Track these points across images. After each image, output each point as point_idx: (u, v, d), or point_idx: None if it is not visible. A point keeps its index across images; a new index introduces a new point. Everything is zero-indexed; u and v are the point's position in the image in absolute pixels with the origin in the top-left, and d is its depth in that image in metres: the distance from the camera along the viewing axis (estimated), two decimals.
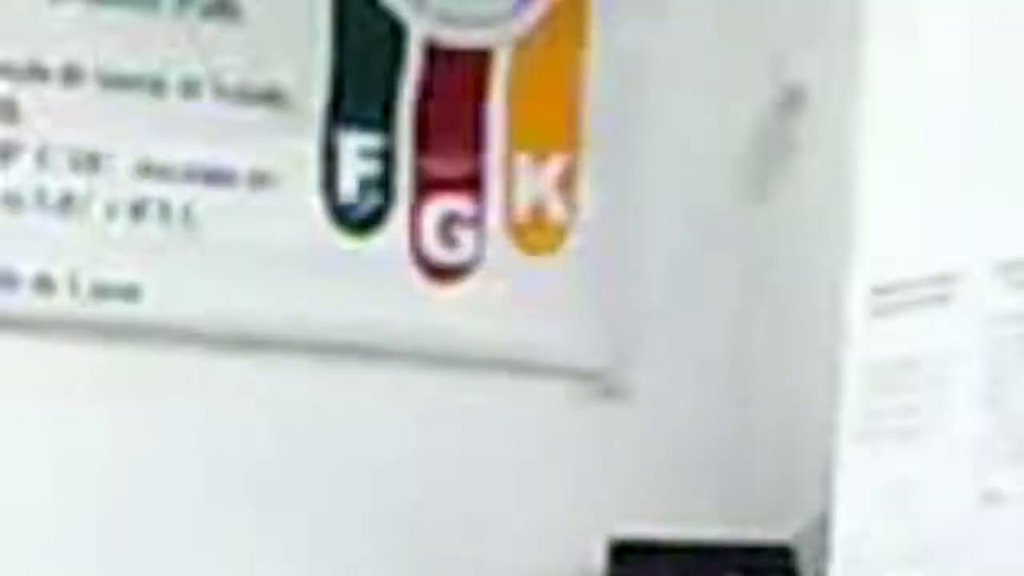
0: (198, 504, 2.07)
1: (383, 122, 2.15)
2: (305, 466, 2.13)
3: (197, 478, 2.08)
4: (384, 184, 2.12)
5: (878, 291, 1.76)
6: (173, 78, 2.04)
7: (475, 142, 2.19)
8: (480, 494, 2.25)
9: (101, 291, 1.98)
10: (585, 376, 2.24)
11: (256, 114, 2.07)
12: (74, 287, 1.96)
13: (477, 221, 2.18)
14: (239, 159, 2.04)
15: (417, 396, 2.20)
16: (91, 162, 2.00)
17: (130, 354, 2.03)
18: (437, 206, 2.15)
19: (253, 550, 2.08)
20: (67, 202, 1.99)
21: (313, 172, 2.08)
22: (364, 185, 2.10)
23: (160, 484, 2.07)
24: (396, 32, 2.19)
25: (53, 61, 2.00)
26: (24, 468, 2.05)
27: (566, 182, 2.21)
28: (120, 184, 2.02)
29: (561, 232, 2.21)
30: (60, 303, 1.96)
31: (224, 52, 2.10)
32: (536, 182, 2.20)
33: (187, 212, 2.02)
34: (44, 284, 1.96)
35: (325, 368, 2.11)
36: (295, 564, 2.09)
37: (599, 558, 2.18)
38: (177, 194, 2.03)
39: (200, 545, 2.08)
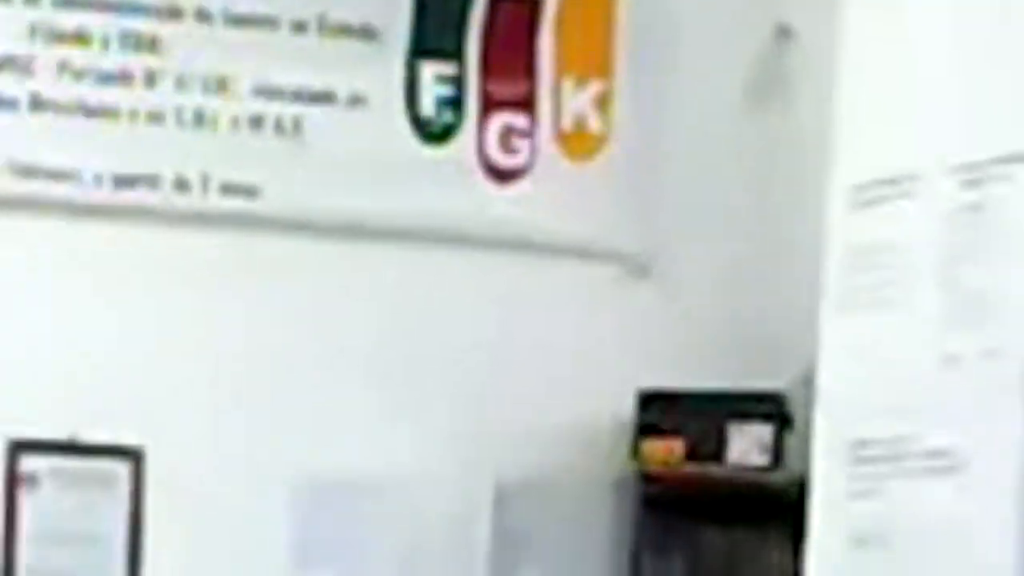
0: (312, 364, 2.60)
1: (456, 52, 2.64)
2: (398, 335, 2.67)
3: (308, 346, 2.62)
4: (456, 104, 2.62)
5: (855, 188, 2.14)
6: (286, 17, 2.54)
7: (529, 69, 2.68)
8: (536, 356, 2.80)
9: (227, 189, 2.50)
10: (620, 259, 2.72)
11: (353, 46, 2.58)
12: (205, 186, 2.48)
13: (530, 133, 2.67)
14: (339, 83, 2.55)
15: (478, 275, 2.70)
16: (219, 84, 2.51)
17: (250, 242, 2.55)
18: (498, 121, 2.65)
19: (359, 408, 2.62)
20: (199, 117, 2.50)
21: (399, 94, 2.58)
22: (440, 104, 2.60)
23: (276, 349, 2.60)
24: None
25: (188, 4, 2.50)
26: (168, 340, 2.58)
27: (603, 101, 2.70)
28: (242, 102, 2.53)
29: (599, 141, 2.70)
30: (194, 200, 2.48)
31: None
32: (578, 101, 2.69)
33: (297, 125, 2.52)
34: (181, 184, 2.48)
35: (407, 252, 2.65)
36: (393, 422, 2.63)
37: (631, 406, 2.76)
38: (289, 111, 2.54)
39: (317, 404, 2.62)
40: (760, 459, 2.85)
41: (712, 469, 2.88)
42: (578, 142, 2.71)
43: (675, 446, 2.83)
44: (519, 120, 2.67)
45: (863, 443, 2.34)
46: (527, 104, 2.68)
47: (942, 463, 2.19)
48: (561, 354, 2.91)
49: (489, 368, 2.89)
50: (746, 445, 2.85)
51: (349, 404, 2.79)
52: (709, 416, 2.85)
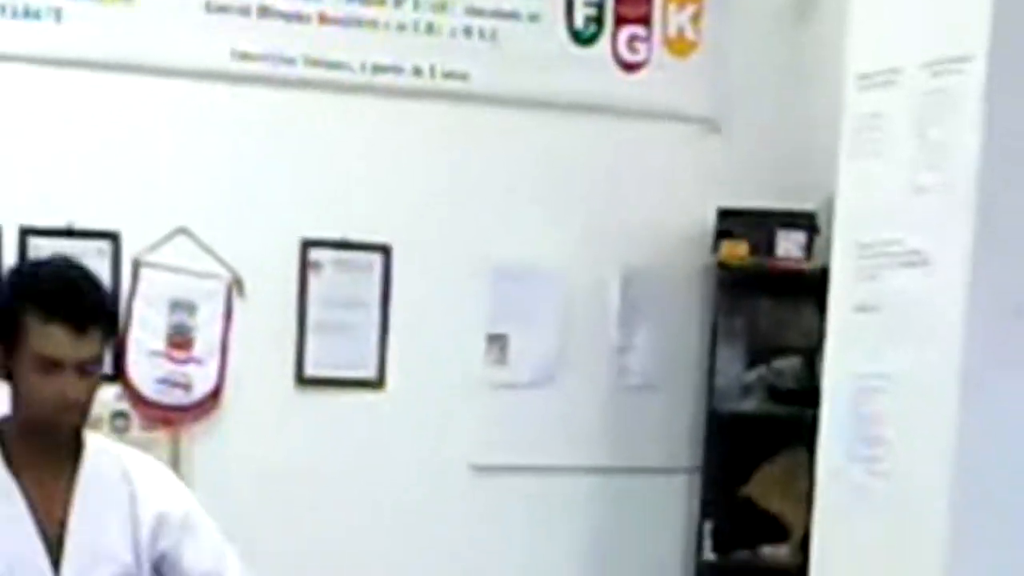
0: (501, 189, 3.93)
1: None
2: (554, 170, 3.95)
3: (499, 179, 3.91)
4: (598, 20, 3.89)
5: (861, 76, 3.21)
6: None
7: None
8: (648, 185, 4.13)
9: (448, 75, 3.75)
10: (702, 121, 4.07)
11: None
12: (433, 73, 3.74)
13: (648, 39, 3.99)
14: (521, 5, 3.77)
15: (611, 132, 4.01)
16: (442, 6, 3.71)
17: (462, 112, 3.80)
18: (626, 31, 3.96)
19: (531, 220, 3.96)
20: (429, 27, 3.71)
21: (561, 13, 3.83)
22: (587, 20, 3.87)
23: (480, 178, 3.92)
24: None
25: None
26: (412, 167, 3.83)
27: (695, 17, 4.00)
28: (458, 18, 3.74)
29: (692, 45, 4.05)
30: (426, 82, 3.72)
31: None
32: (679, 17, 3.99)
33: (494, 33, 3.80)
34: (417, 71, 3.72)
35: (564, 119, 3.91)
36: (552, 228, 4.01)
37: (712, 219, 4.09)
38: (489, 24, 3.80)
39: (502, 215, 3.94)
40: (798, 254, 4.04)
41: (766, 260, 4.09)
42: (678, 45, 4.09)
43: (741, 245, 4.03)
44: (640, 31, 4.00)
45: (865, 245, 3.30)
46: (646, 20, 4.02)
47: (916, 258, 3.14)
48: (665, 183, 4.20)
49: (616, 191, 4.16)
50: (789, 245, 4.03)
51: (523, 217, 4.05)
52: (764, 225, 4.04)
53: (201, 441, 3.84)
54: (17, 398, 2.43)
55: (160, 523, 2.53)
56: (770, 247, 4.08)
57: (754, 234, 4.09)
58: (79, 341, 2.33)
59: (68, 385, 2.33)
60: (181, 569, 2.61)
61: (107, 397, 3.56)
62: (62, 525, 2.48)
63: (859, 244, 3.35)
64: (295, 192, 3.91)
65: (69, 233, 3.68)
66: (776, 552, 4.14)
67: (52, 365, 2.32)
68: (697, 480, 4.28)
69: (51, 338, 2.32)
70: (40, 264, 2.68)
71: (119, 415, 3.72)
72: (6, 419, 2.50)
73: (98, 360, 2.41)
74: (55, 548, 2.52)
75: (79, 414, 2.41)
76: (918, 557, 3.20)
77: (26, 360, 2.34)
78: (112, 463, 2.54)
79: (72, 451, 2.49)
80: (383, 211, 3.98)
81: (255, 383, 3.89)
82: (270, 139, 3.89)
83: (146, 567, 2.55)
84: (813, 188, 3.89)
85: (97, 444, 2.58)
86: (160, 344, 3.79)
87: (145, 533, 2.53)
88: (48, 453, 2.48)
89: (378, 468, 4.03)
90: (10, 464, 2.49)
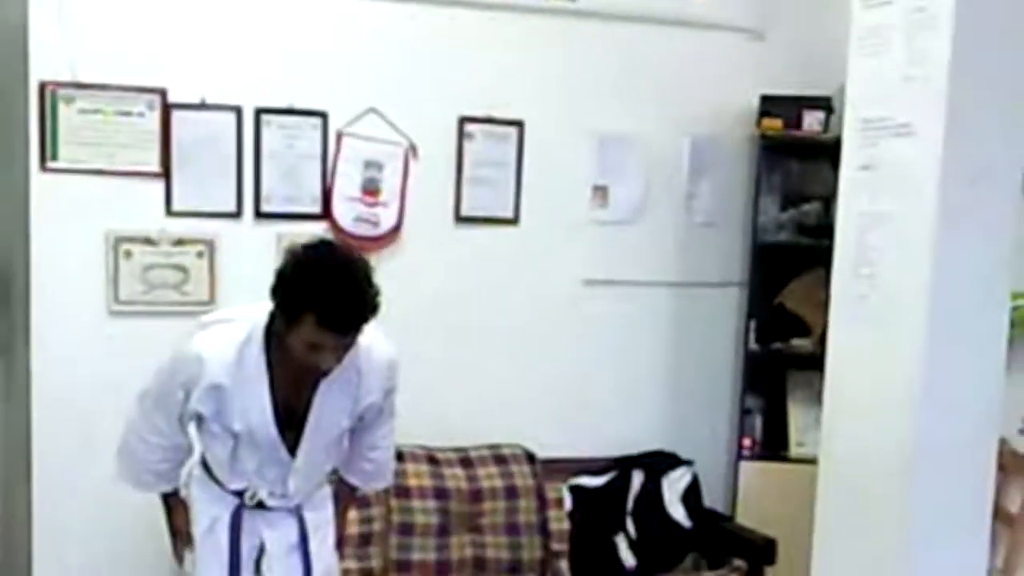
0: (591, 86, 4.84)
1: None
2: (633, 73, 4.89)
3: (594, 74, 4.84)
4: None
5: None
6: None
7: None
8: (708, 77, 5.02)
9: None
10: (748, 30, 5.00)
11: None
12: None
13: None
14: None
15: (673, 41, 4.93)
16: None
17: (574, 26, 4.77)
18: None
19: (617, 103, 4.88)
20: None
21: None
22: None
23: (580, 75, 4.83)
24: None
25: None
26: (528, 66, 4.74)
27: None
28: None
29: None
30: (549, 3, 4.67)
31: None
32: None
33: None
34: None
35: (649, 30, 4.87)
36: (634, 108, 4.90)
37: (756, 102, 4.94)
38: None
39: (603, 100, 4.84)
40: (818, 128, 4.88)
41: (794, 132, 4.92)
42: None
43: (776, 121, 4.91)
44: None
45: (867, 120, 3.97)
46: None
47: (904, 131, 3.80)
48: (723, 76, 5.05)
49: (687, 82, 5.02)
50: (811, 121, 4.87)
51: (619, 100, 4.90)
52: (793, 107, 4.90)
53: (385, 263, 4.51)
54: (284, 341, 2.99)
55: (373, 403, 3.28)
56: (798, 122, 4.94)
57: (786, 113, 4.95)
58: (340, 340, 2.94)
59: (325, 360, 2.97)
60: (375, 418, 3.38)
61: (318, 230, 4.38)
62: (304, 407, 3.15)
63: (863, 120, 4.02)
64: (455, 80, 4.72)
65: (291, 112, 4.48)
66: (802, 344, 4.97)
67: (316, 348, 2.92)
68: (744, 292, 5.14)
69: (319, 336, 2.89)
70: (326, 268, 2.92)
71: None
72: (276, 327, 3.05)
73: (352, 343, 2.98)
74: (294, 425, 3.16)
75: (330, 371, 3.05)
76: (901, 348, 3.85)
77: (298, 335, 2.91)
78: (350, 361, 3.09)
79: None
80: (518, 96, 4.82)
81: (424, 221, 4.73)
82: (437, 41, 4.66)
83: (356, 421, 3.32)
84: (830, 79, 4.70)
85: None
86: (356, 192, 4.61)
87: (362, 406, 3.26)
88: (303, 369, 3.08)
89: (514, 284, 4.89)
90: (268, 355, 3.09)
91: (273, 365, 3.09)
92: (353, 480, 3.59)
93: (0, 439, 4.96)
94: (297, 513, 3.37)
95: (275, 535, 3.35)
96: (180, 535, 3.50)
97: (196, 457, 3.41)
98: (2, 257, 4.80)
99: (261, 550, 3.35)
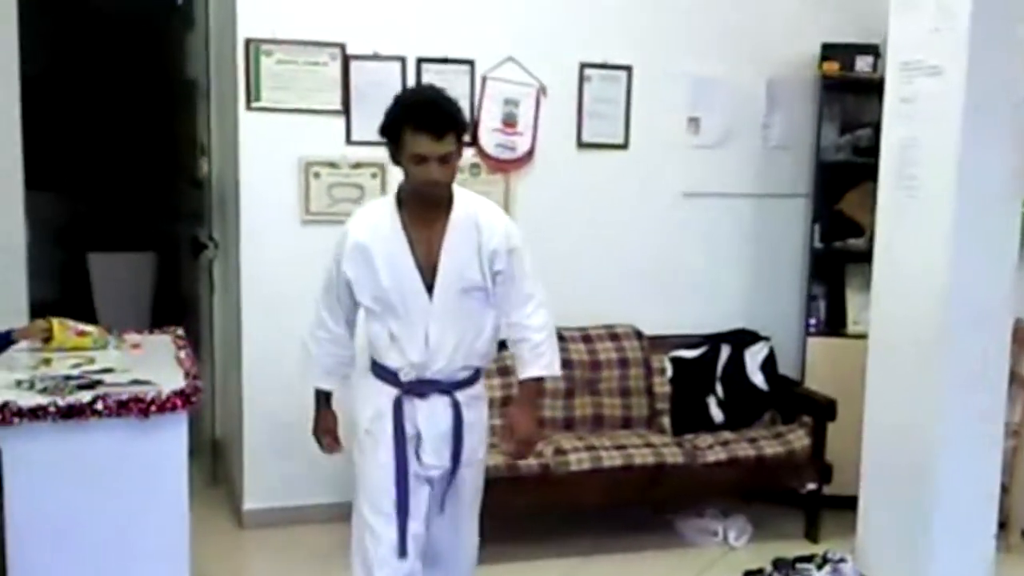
0: (690, 37, 5.52)
1: None
2: (722, 25, 5.58)
3: (693, 32, 5.52)
4: None
5: None
6: None
7: None
8: (779, 27, 5.67)
9: None
10: None
11: None
12: None
13: None
14: None
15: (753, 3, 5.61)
16: None
17: None
18: None
19: (708, 46, 5.58)
20: None
21: None
22: None
23: (679, 34, 5.54)
24: None
25: None
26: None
27: None
28: None
29: None
30: None
31: None
32: None
33: None
34: None
35: None
36: (727, 53, 5.60)
37: (818, 50, 5.57)
38: None
39: (698, 40, 5.57)
40: (868, 69, 5.37)
41: (849, 73, 5.44)
42: None
43: (835, 64, 5.45)
44: None
45: (905, 63, 4.41)
46: None
47: (934, 71, 4.22)
48: (792, 27, 5.64)
49: (762, 31, 5.62)
50: (863, 63, 5.39)
51: (710, 47, 5.53)
52: (848, 52, 5.43)
53: (521, 181, 5.38)
54: (406, 177, 3.34)
55: (496, 252, 3.42)
56: (852, 65, 5.46)
57: (842, 57, 5.48)
58: (439, 143, 3.20)
59: (432, 171, 3.24)
60: (509, 284, 3.48)
61: (468, 155, 5.04)
62: (436, 255, 3.36)
63: (901, 63, 4.44)
64: (576, 33, 5.39)
65: (444, 61, 5.13)
66: (856, 242, 5.50)
67: (422, 159, 3.22)
68: (809, 201, 5.76)
69: (419, 142, 3.20)
70: (415, 91, 3.65)
71: (475, 166, 5.28)
72: (402, 187, 3.42)
73: (452, 153, 3.26)
74: (429, 272, 3.36)
75: (442, 188, 3.32)
76: (934, 244, 4.26)
77: (406, 156, 3.25)
78: (469, 213, 3.40)
79: (446, 206, 3.38)
80: (627, 44, 5.47)
81: (553, 147, 5.40)
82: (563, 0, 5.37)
83: (490, 283, 3.44)
84: (877, 30, 5.12)
85: (461, 199, 3.43)
86: (498, 124, 5.31)
87: (486, 258, 3.41)
88: (428, 209, 3.36)
89: (624, 196, 5.57)
90: (401, 215, 3.38)
91: (406, 226, 3.37)
92: (518, 365, 3.64)
93: (220, 327, 5.79)
94: (453, 404, 3.50)
95: (430, 422, 3.50)
96: (326, 436, 3.72)
97: (360, 361, 3.65)
98: (219, 179, 5.73)
99: (419, 438, 3.50)
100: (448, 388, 3.51)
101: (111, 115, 9.07)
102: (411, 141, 3.20)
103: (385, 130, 3.33)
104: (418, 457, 3.51)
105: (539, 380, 3.65)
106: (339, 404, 3.76)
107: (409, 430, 3.49)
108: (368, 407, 3.54)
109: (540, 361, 3.59)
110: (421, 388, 3.48)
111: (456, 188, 3.42)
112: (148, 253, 8.91)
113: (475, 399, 3.61)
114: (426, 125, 3.18)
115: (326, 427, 3.74)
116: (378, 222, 3.42)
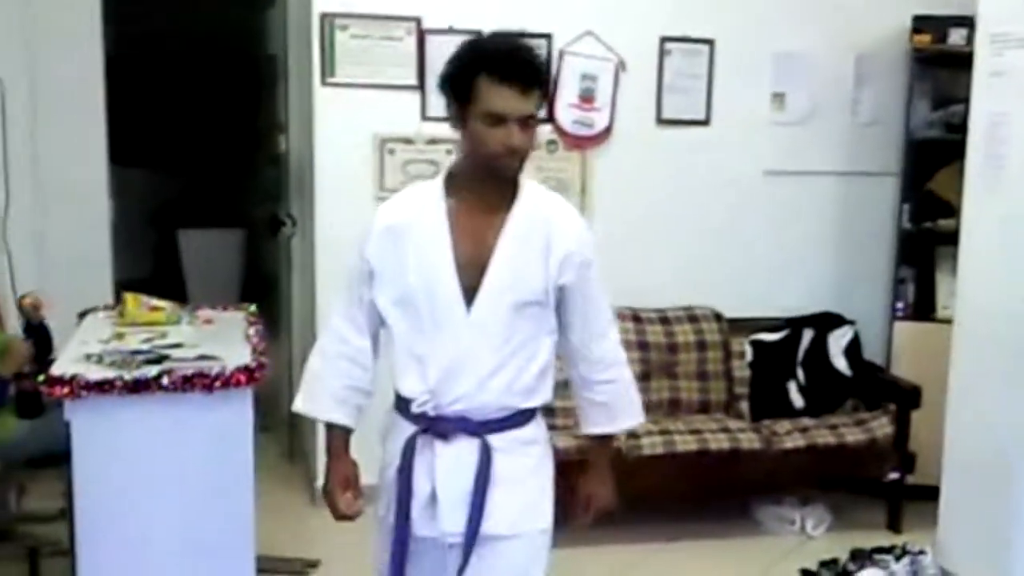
0: (774, 14, 5.50)
1: None
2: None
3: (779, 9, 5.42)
4: None
5: None
6: None
7: None
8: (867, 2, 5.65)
9: None
10: None
11: None
12: None
13: None
14: None
15: None
16: None
17: None
18: None
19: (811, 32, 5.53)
20: None
21: None
22: None
23: (763, 10, 5.49)
24: None
25: None
26: None
27: None
28: None
29: None
30: None
31: None
32: None
33: None
34: None
35: None
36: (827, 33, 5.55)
37: (909, 22, 5.50)
38: None
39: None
40: (961, 43, 5.22)
41: (942, 46, 5.37)
42: None
43: (927, 37, 5.39)
44: None
45: (995, 35, 4.33)
46: None
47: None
48: (880, 1, 5.64)
49: (849, 4, 5.59)
50: (956, 35, 5.29)
51: (795, 23, 5.52)
52: (941, 25, 5.38)
53: (599, 158, 5.41)
54: (470, 146, 2.58)
55: (568, 259, 2.66)
56: (944, 38, 5.43)
57: (935, 31, 5.44)
58: (523, 99, 2.51)
59: (512, 135, 2.51)
60: (581, 305, 2.73)
61: (544, 132, 5.21)
62: (487, 255, 2.60)
63: (992, 35, 4.43)
64: (657, 5, 5.42)
65: (521, 35, 4.83)
66: (948, 223, 5.36)
67: (499, 119, 2.50)
68: (899, 180, 5.70)
69: (501, 96, 2.48)
70: (490, 37, 2.65)
71: (551, 142, 5.34)
72: (457, 164, 2.71)
73: (534, 116, 2.56)
74: (472, 274, 2.60)
75: (519, 159, 2.57)
76: (1021, 216, 4.24)
77: (478, 115, 2.51)
78: (539, 207, 2.68)
79: (510, 193, 2.65)
80: (709, 18, 5.49)
81: (632, 122, 5.43)
82: None
83: (551, 296, 2.67)
84: (971, 1, 4.74)
85: (531, 190, 2.70)
86: (575, 100, 5.34)
87: (555, 265, 2.64)
88: (489, 193, 2.63)
89: (705, 174, 5.59)
90: (448, 202, 2.64)
91: (452, 214, 2.66)
92: (593, 416, 2.90)
93: (297, 303, 5.91)
94: (481, 449, 2.69)
95: (450, 475, 2.70)
96: (342, 491, 2.86)
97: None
98: (296, 156, 5.85)
99: (435, 495, 2.71)
100: (478, 430, 2.70)
101: (200, 93, 9.29)
102: (488, 95, 2.53)
103: (451, 81, 2.62)
104: (433, 521, 2.73)
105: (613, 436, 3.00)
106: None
107: (422, 484, 2.73)
108: (391, 449, 2.82)
109: (632, 409, 2.93)
110: (441, 426, 2.70)
111: (524, 177, 2.72)
112: (237, 230, 9.16)
113: (523, 445, 2.78)
114: (510, 74, 2.52)
115: (341, 478, 2.89)
116: (419, 205, 2.70)
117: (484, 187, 2.66)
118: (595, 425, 2.92)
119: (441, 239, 2.64)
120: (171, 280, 8.49)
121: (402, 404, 2.77)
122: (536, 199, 2.71)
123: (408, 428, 2.75)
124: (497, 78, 2.51)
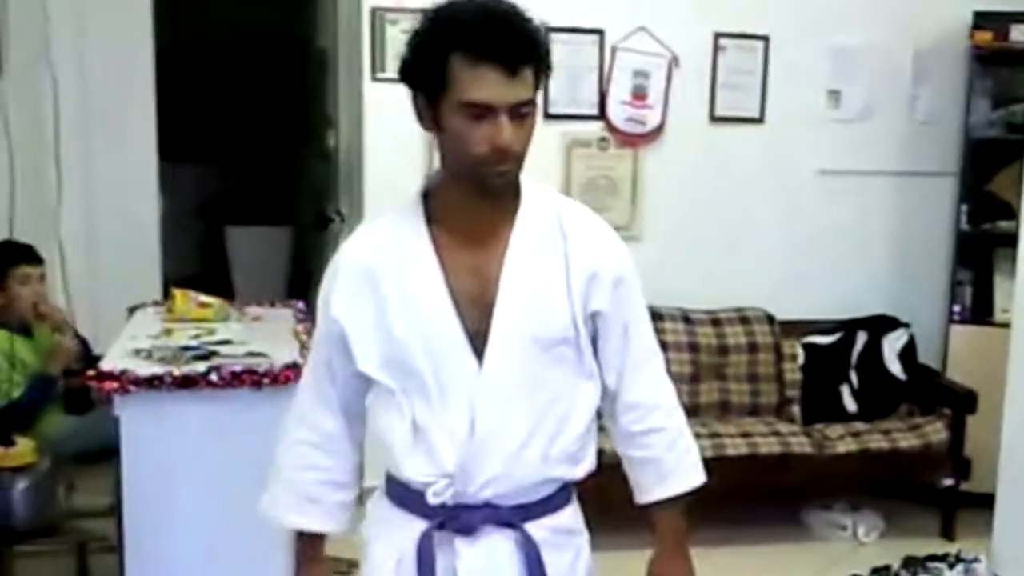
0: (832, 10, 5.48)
1: None
2: None
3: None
4: None
5: None
6: None
7: None
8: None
9: None
10: None
11: None
12: None
13: None
14: None
15: None
16: None
17: None
18: None
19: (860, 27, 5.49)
20: None
21: None
22: None
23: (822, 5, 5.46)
24: None
25: None
26: None
27: None
28: None
29: None
30: None
31: None
32: None
33: None
34: None
35: None
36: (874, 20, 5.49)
37: (970, 18, 5.44)
38: None
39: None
40: (1023, 39, 5.32)
41: (1004, 43, 5.30)
42: None
43: (988, 34, 5.30)
44: None
45: None
46: None
47: None
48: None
49: (914, 3, 5.56)
50: (1018, 34, 5.22)
51: (853, 18, 5.46)
52: (1002, 21, 5.29)
53: (651, 156, 5.41)
54: (447, 151, 2.02)
55: (596, 277, 2.12)
56: (1006, 35, 5.34)
57: (996, 27, 5.36)
58: (512, 82, 1.93)
59: (502, 130, 1.94)
60: (617, 337, 2.19)
61: (595, 129, 5.27)
62: (492, 289, 2.06)
63: None
64: (710, 3, 5.41)
65: (572, 30, 5.14)
66: (1008, 225, 5.29)
67: (483, 110, 1.93)
68: (957, 180, 5.65)
69: (481, 81, 1.91)
70: (462, 2, 1.99)
71: (603, 139, 5.33)
72: (436, 179, 2.13)
73: (531, 102, 1.98)
74: (479, 316, 2.06)
75: (514, 162, 2.00)
76: None
77: (455, 108, 1.94)
78: (548, 217, 2.13)
79: (509, 205, 2.10)
80: (764, 14, 5.45)
81: (684, 120, 5.43)
82: None
83: (583, 332, 2.12)
84: None
85: (534, 194, 2.14)
86: (627, 96, 5.34)
87: (579, 286, 2.10)
88: (482, 209, 2.07)
89: (759, 173, 5.57)
90: (431, 230, 2.08)
91: (439, 246, 2.09)
92: (642, 479, 2.30)
93: None
94: (523, 544, 2.14)
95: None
96: None
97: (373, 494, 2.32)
98: (346, 152, 5.89)
99: None
100: (512, 518, 2.15)
101: (250, 89, 9.36)
102: (465, 79, 1.93)
103: (414, 65, 2.03)
104: None
105: (684, 496, 2.32)
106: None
107: None
108: (383, 554, 2.23)
109: (687, 464, 2.31)
110: (466, 518, 2.13)
111: (525, 178, 2.13)
112: (285, 227, 9.24)
113: (566, 535, 2.24)
114: (492, 50, 1.92)
115: None
116: (394, 238, 2.12)
117: (474, 203, 2.07)
118: (645, 492, 2.30)
119: (431, 276, 2.08)
120: (218, 277, 8.57)
121: (404, 493, 2.18)
122: (544, 207, 2.15)
123: (413, 523, 2.16)
124: (475, 56, 1.93)
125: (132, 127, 5.80)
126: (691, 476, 2.31)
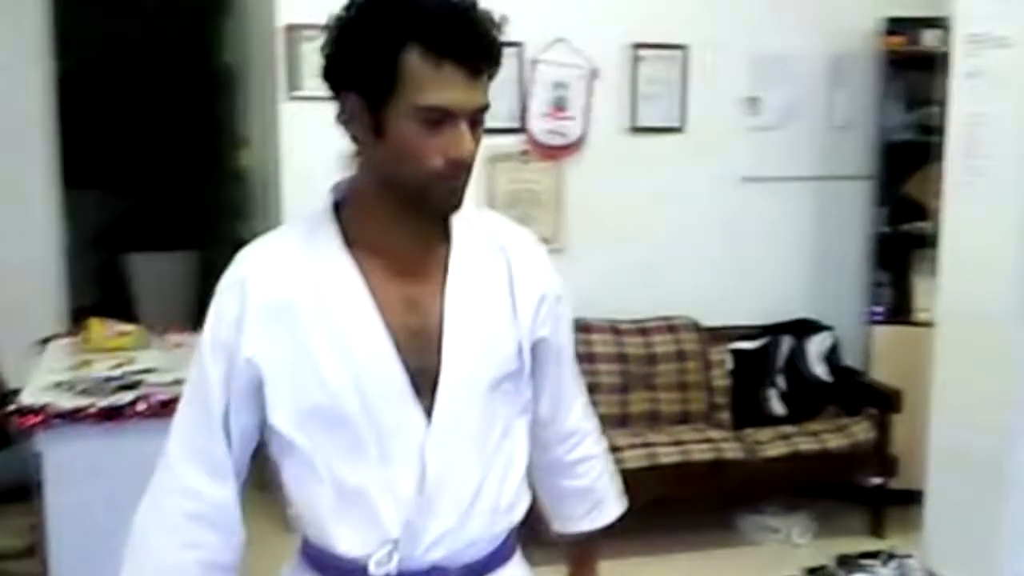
0: (749, 15, 5.52)
1: None
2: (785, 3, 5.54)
3: (753, 9, 5.50)
4: None
5: None
6: None
7: None
8: (842, 5, 5.61)
9: None
10: None
11: None
12: None
13: None
14: None
15: None
16: None
17: None
18: None
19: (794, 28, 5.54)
20: None
21: None
22: None
23: (739, 11, 5.50)
24: None
25: None
26: None
27: None
28: None
29: None
30: None
31: None
32: None
33: None
34: None
35: None
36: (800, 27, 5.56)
37: (884, 23, 5.56)
38: None
39: None
40: (935, 43, 5.16)
41: (915, 47, 5.42)
42: None
43: (900, 39, 5.44)
44: None
45: (972, 35, 4.29)
46: None
47: (1002, 43, 4.14)
48: (852, 3, 5.62)
49: (822, 7, 5.60)
50: (929, 37, 5.35)
51: (771, 25, 5.54)
52: (914, 26, 5.45)
53: (573, 168, 5.43)
54: (386, 163, 1.74)
55: (543, 300, 1.95)
56: (917, 40, 5.49)
57: (908, 32, 5.51)
58: (474, 84, 1.71)
59: (461, 141, 1.72)
60: (547, 362, 2.01)
61: (516, 142, 5.25)
62: (435, 322, 1.82)
63: (969, 35, 4.41)
64: (629, 12, 5.41)
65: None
66: (924, 226, 5.40)
67: (442, 117, 1.70)
68: (874, 183, 5.72)
69: (444, 83, 1.68)
70: None
71: (524, 153, 5.33)
72: (353, 191, 1.86)
73: (487, 108, 1.77)
74: (422, 357, 1.80)
75: (467, 177, 1.78)
76: (1002, 224, 4.25)
77: (408, 113, 1.69)
78: (483, 234, 1.92)
79: (439, 227, 1.86)
80: (682, 23, 5.49)
81: (605, 131, 5.45)
82: None
83: (527, 362, 1.93)
84: (944, 2, 4.76)
85: (463, 211, 1.86)
86: (548, 109, 5.35)
87: (528, 312, 1.92)
88: (416, 230, 1.82)
89: (680, 182, 5.61)
90: (355, 255, 1.80)
91: (364, 264, 1.80)
92: (574, 509, 2.21)
93: None
94: None
95: None
96: None
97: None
98: (260, 169, 5.84)
99: None
100: None
101: (150, 108, 9.14)
102: (423, 79, 1.69)
103: (349, 60, 1.73)
104: None
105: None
106: None
107: None
108: None
109: (613, 493, 2.26)
110: None
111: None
112: (191, 252, 9.02)
113: None
114: (457, 47, 1.68)
115: None
116: (306, 264, 1.81)
117: (409, 223, 1.81)
118: (573, 521, 2.21)
119: (362, 310, 1.79)
120: (119, 306, 8.33)
121: (332, 565, 1.88)
122: (479, 224, 1.93)
123: None
124: (438, 53, 1.67)
125: (34, 156, 5.65)
126: (617, 505, 2.26)
